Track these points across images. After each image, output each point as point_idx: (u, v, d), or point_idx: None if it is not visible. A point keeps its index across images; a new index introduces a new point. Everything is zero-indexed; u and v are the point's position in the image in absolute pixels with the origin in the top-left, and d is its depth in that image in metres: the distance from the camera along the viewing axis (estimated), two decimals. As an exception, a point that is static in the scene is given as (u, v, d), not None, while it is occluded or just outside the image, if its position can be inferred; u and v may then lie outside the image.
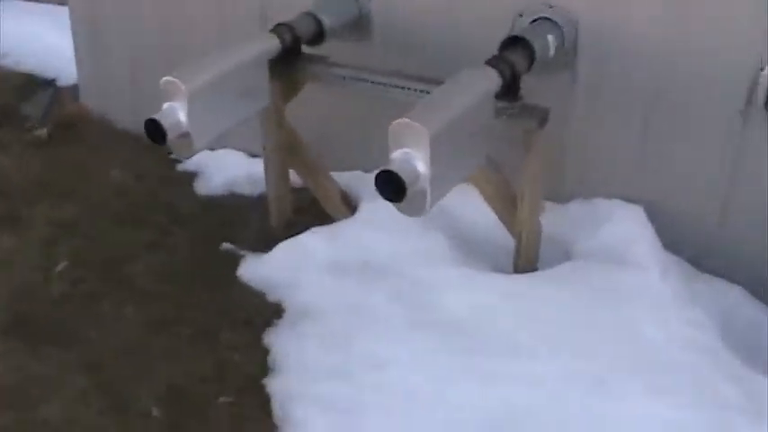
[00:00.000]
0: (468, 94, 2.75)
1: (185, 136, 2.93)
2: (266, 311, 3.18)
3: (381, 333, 2.96)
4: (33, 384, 2.85)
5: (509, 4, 3.23)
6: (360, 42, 3.57)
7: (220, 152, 4.06)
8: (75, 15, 4.39)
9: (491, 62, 2.90)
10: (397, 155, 2.55)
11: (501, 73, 2.87)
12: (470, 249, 3.34)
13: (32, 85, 4.80)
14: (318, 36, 3.38)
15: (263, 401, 2.82)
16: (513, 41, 3.05)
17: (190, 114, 2.89)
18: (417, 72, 3.21)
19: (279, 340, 3.06)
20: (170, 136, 2.88)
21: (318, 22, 3.36)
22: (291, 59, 3.29)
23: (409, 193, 2.50)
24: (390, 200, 2.54)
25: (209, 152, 4.05)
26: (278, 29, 3.24)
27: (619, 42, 3.13)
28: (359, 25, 3.54)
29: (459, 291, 3.04)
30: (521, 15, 3.23)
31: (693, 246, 3.27)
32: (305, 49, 3.36)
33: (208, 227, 3.67)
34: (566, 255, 3.26)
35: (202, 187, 3.95)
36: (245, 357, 2.99)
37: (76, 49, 4.46)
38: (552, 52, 3.14)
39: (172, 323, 3.13)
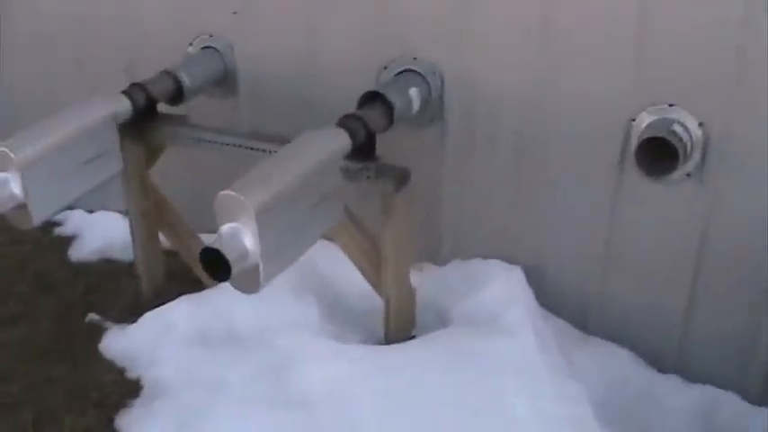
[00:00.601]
0: (308, 158, 2.56)
1: (22, 207, 2.75)
2: (122, 390, 2.98)
3: (237, 413, 2.75)
4: None
5: (373, 56, 3.08)
6: (226, 99, 3.40)
7: (98, 214, 3.88)
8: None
9: (341, 121, 2.72)
10: (224, 230, 2.36)
11: (351, 132, 2.69)
12: (345, 316, 3.17)
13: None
14: (178, 95, 3.20)
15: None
16: (372, 97, 2.88)
17: (25, 186, 2.71)
18: (283, 129, 3.04)
19: (131, 422, 2.86)
20: (3, 209, 2.70)
21: (177, 81, 3.18)
22: (147, 121, 3.11)
23: (236, 270, 2.31)
24: (217, 279, 2.36)
25: (86, 215, 3.89)
26: (130, 89, 3.06)
27: (486, 95, 2.98)
28: (224, 82, 3.38)
29: (320, 365, 2.82)
30: (385, 68, 3.08)
31: (577, 306, 3.10)
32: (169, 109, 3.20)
33: (76, 296, 3.48)
34: (443, 319, 3.07)
35: (76, 252, 3.76)
36: (91, 444, 2.79)
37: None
38: (417, 106, 2.98)
39: (16, 407, 2.92)
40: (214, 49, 3.35)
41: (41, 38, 3.83)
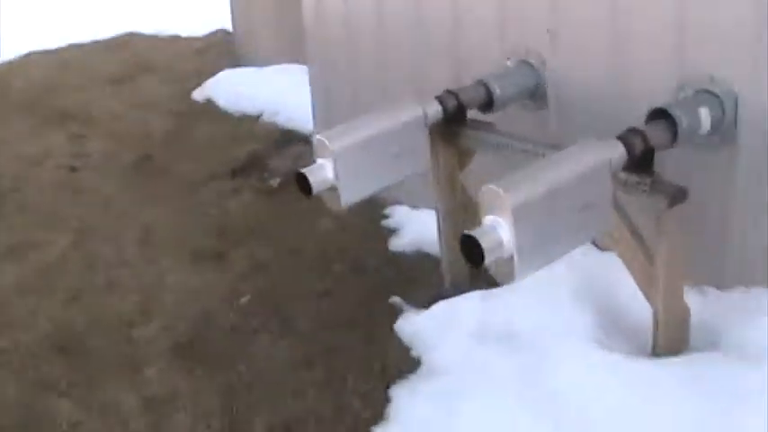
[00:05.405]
0: (576, 164, 2.69)
1: (334, 190, 3.15)
2: (403, 365, 3.29)
3: (489, 404, 2.96)
4: (171, 398, 3.25)
5: (673, 75, 3.12)
6: (539, 111, 3.59)
7: (421, 211, 4.22)
8: (313, 77, 4.85)
9: (623, 134, 2.82)
10: (486, 221, 2.58)
11: (628, 145, 2.78)
12: (618, 326, 3.22)
13: (289, 139, 5.32)
14: (488, 104, 3.45)
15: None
16: (658, 113, 2.94)
17: (336, 171, 3.11)
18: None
19: (402, 392, 3.16)
20: (316, 189, 3.12)
21: (489, 91, 3.43)
22: (456, 126, 3.40)
23: (489, 259, 2.52)
24: (473, 265, 2.57)
25: (410, 210, 4.27)
26: (443, 95, 3.36)
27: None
28: (536, 95, 3.57)
29: (579, 372, 2.93)
30: (681, 88, 3.11)
31: None
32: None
33: (385, 280, 3.85)
34: (714, 345, 3.03)
35: (395, 243, 4.14)
36: (365, 404, 3.14)
37: (313, 107, 4.89)
38: (707, 127, 2.98)
39: (311, 364, 3.36)
40: (528, 63, 3.57)
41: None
